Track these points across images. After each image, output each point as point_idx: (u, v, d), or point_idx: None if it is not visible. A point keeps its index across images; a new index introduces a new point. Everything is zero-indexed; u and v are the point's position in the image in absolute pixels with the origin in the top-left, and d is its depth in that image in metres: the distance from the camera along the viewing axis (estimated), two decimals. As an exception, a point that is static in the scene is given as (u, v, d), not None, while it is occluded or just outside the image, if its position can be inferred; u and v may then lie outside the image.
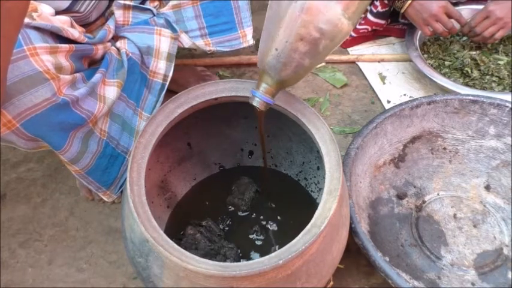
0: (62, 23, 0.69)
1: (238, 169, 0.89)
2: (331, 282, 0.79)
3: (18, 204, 0.95)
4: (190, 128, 0.80)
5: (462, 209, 0.85)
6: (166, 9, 0.81)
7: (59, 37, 0.68)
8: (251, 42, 0.87)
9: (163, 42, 0.78)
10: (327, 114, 1.10)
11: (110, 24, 0.78)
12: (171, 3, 0.82)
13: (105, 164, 0.77)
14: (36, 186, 0.98)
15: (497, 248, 0.80)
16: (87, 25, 0.80)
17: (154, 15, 0.80)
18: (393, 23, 1.21)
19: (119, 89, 0.74)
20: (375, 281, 0.81)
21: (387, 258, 0.75)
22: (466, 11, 1.14)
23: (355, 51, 1.23)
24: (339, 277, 0.80)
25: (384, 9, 1.15)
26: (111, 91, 0.72)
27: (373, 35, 1.24)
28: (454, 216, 0.84)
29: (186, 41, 0.81)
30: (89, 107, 0.69)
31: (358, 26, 1.20)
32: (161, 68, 0.78)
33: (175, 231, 0.77)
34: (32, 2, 0.66)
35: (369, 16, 1.17)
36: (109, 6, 0.82)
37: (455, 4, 1.16)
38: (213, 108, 0.67)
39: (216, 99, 0.66)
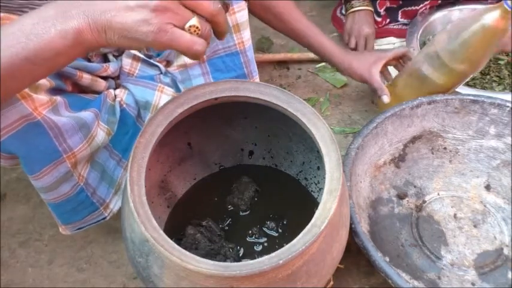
0: None
1: (238, 168, 0.89)
2: (331, 282, 0.79)
3: (18, 204, 0.95)
4: (190, 128, 0.80)
5: (462, 209, 0.85)
6: (172, 69, 0.80)
7: None
8: None
9: (163, 100, 0.76)
10: (327, 114, 1.10)
11: (110, 66, 0.76)
12: (176, 64, 0.81)
13: (70, 208, 0.72)
14: (36, 186, 0.97)
15: (497, 248, 0.80)
16: None
17: (161, 73, 0.79)
18: (392, 23, 1.21)
19: (107, 136, 0.71)
20: (375, 281, 0.81)
21: (387, 258, 0.75)
22: (466, 11, 1.14)
23: (355, 51, 1.23)
24: (339, 277, 0.80)
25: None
26: (100, 135, 0.70)
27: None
28: (454, 216, 0.84)
29: None
30: (72, 142, 0.65)
31: None
32: None
33: (175, 231, 0.77)
34: (9, 16, 0.62)
35: None
36: None
37: (453, 4, 1.17)
38: (213, 108, 0.67)
39: (216, 99, 0.66)
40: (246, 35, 0.80)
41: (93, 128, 0.68)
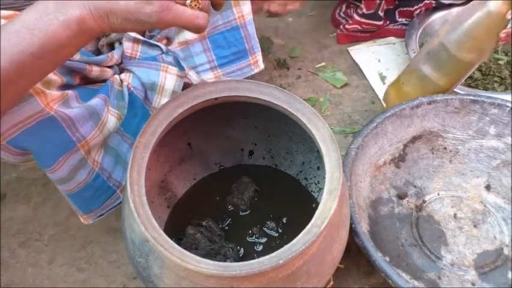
0: None
1: (238, 168, 0.89)
2: (331, 282, 0.79)
3: (18, 204, 0.95)
4: (190, 128, 0.80)
5: (462, 209, 0.85)
6: (174, 47, 0.80)
7: None
8: (262, 66, 0.87)
9: (168, 80, 0.76)
10: (327, 114, 1.10)
11: (115, 54, 0.76)
12: (177, 41, 0.80)
13: (89, 195, 0.73)
14: (37, 185, 0.98)
15: (497, 248, 0.80)
16: None
17: (163, 53, 0.79)
18: (391, 23, 1.22)
19: (118, 121, 0.72)
20: (375, 281, 0.81)
21: (387, 258, 0.75)
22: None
23: (355, 50, 1.23)
24: (339, 277, 0.80)
25: (368, 11, 1.17)
26: (111, 121, 0.70)
27: (371, 36, 1.25)
28: (454, 216, 0.84)
29: (194, 78, 0.80)
30: (84, 131, 0.66)
31: (347, 26, 1.21)
32: None
33: (175, 231, 0.77)
34: (16, 13, 0.62)
35: (355, 16, 1.19)
36: None
37: (448, 7, 1.17)
38: (213, 108, 0.67)
39: (216, 99, 0.66)
40: (246, 8, 0.79)
41: (103, 114, 0.68)
